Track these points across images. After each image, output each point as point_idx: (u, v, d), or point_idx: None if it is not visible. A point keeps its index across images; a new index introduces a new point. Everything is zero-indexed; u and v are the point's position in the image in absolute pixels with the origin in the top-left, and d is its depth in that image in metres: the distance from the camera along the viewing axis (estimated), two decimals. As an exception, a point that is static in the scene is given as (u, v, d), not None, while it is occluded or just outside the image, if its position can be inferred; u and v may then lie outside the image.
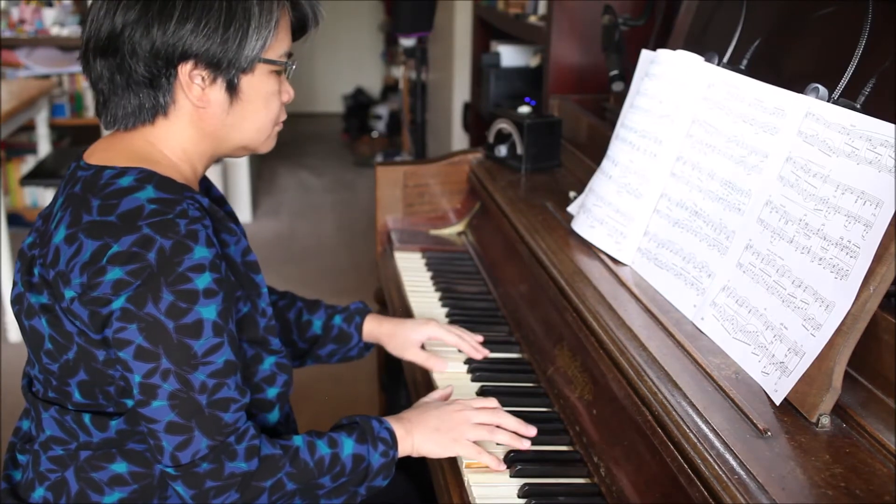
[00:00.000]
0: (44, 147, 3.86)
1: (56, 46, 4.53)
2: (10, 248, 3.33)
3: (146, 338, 1.00)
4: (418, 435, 1.18)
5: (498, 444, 1.22)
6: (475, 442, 1.20)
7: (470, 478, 1.17)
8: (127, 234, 1.00)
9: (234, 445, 1.04)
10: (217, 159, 1.21)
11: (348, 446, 1.12)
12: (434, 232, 2.03)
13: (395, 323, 1.50)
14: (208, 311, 1.02)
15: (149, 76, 1.07)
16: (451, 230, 2.04)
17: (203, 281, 1.01)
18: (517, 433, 1.21)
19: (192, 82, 1.08)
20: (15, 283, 1.14)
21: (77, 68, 4.48)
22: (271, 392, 1.18)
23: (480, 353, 1.46)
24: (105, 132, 1.17)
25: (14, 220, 4.44)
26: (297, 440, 1.11)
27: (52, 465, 1.12)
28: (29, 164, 4.38)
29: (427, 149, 4.32)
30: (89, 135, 4.49)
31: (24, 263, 1.12)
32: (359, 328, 1.49)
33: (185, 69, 1.07)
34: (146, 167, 1.08)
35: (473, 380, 1.41)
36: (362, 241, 4.43)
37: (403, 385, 1.73)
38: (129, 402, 1.08)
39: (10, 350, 3.28)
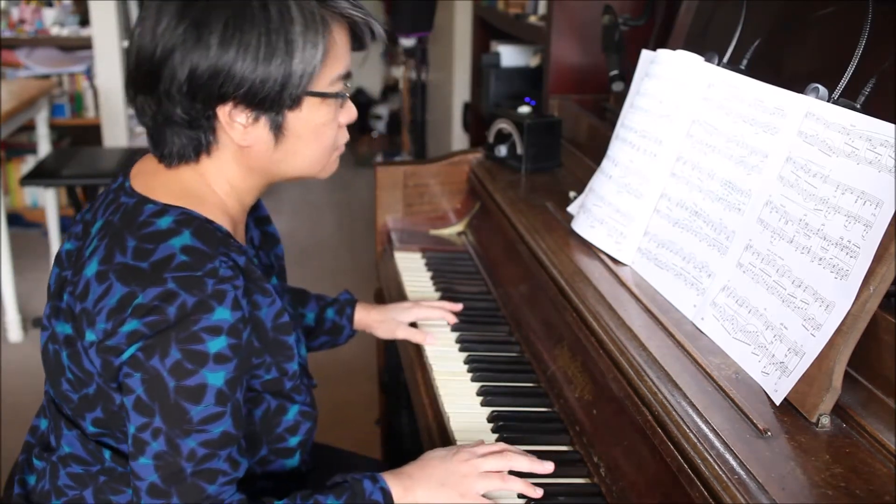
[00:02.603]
0: (44, 147, 3.86)
1: (56, 46, 4.53)
2: (9, 248, 3.33)
3: (145, 391, 0.97)
4: (421, 491, 1.08)
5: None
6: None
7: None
8: (152, 286, 0.96)
9: None
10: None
11: None
12: (434, 232, 2.03)
13: (380, 310, 1.55)
14: (215, 378, 0.97)
15: (187, 118, 1.02)
16: (451, 230, 2.04)
17: (216, 344, 0.96)
18: (532, 472, 1.13)
19: (233, 122, 1.02)
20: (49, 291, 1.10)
21: (77, 68, 4.48)
22: (293, 440, 1.16)
23: (457, 307, 1.58)
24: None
25: (14, 220, 4.44)
26: None
27: (71, 482, 1.10)
28: (29, 164, 4.38)
29: (427, 149, 4.32)
30: (89, 135, 4.49)
31: (57, 282, 1.08)
32: (350, 319, 1.53)
33: (224, 110, 1.02)
34: (188, 207, 1.03)
35: (473, 379, 1.41)
36: (362, 241, 4.43)
37: (403, 385, 1.73)
38: None
39: (10, 350, 3.28)
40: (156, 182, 1.07)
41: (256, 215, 1.28)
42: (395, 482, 1.08)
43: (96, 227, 1.05)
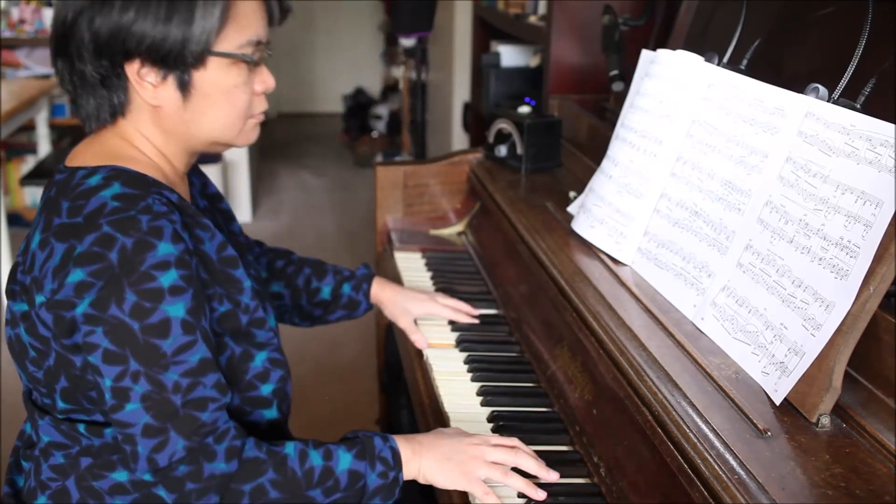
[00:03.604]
0: (44, 147, 3.87)
1: (56, 46, 4.53)
2: (9, 248, 3.33)
3: (112, 340, 0.98)
4: (427, 460, 1.12)
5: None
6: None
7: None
8: (88, 234, 0.99)
9: (212, 446, 1.02)
10: (199, 155, 1.19)
11: (345, 461, 1.07)
12: (434, 232, 2.03)
13: (396, 291, 1.57)
14: (175, 309, 0.99)
15: (99, 78, 1.07)
16: (451, 230, 2.04)
17: (168, 278, 0.99)
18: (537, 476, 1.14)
19: (142, 81, 1.06)
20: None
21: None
22: (265, 388, 1.16)
23: (470, 319, 1.58)
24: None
25: (14, 220, 4.44)
26: (289, 447, 1.07)
27: (53, 474, 1.11)
28: (29, 164, 4.38)
29: (427, 149, 4.32)
30: (89, 135, 4.49)
31: (10, 274, 1.11)
32: (367, 295, 1.55)
33: (132, 69, 1.06)
34: (120, 164, 1.07)
35: (473, 379, 1.41)
36: (362, 241, 4.43)
37: (403, 385, 1.73)
38: None
39: (10, 350, 3.28)
40: (85, 155, 1.10)
41: (207, 193, 1.31)
42: (405, 445, 1.12)
43: (38, 210, 1.09)
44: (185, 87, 1.07)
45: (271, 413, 1.18)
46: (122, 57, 1.05)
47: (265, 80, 1.13)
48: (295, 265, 1.52)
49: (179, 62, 1.05)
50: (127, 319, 0.98)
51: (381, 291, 1.56)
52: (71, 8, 1.05)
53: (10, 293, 1.09)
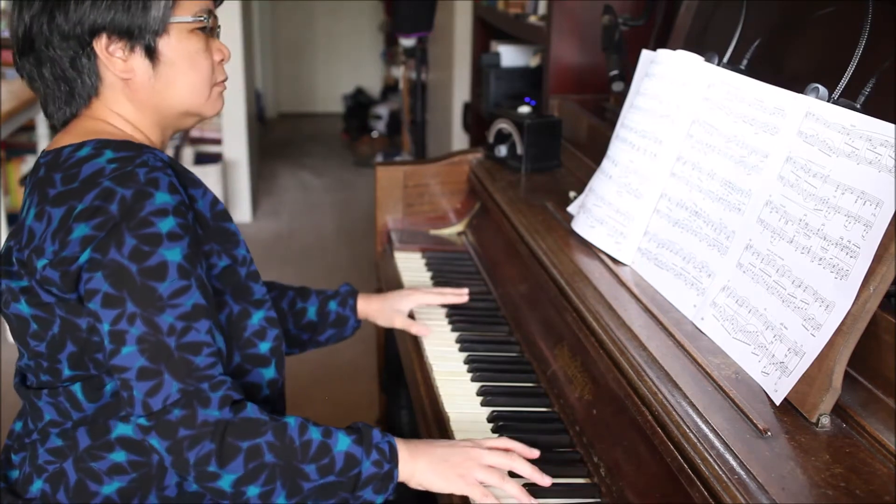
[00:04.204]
0: (44, 147, 3.86)
1: (56, 46, 4.53)
2: (10, 248, 3.33)
3: (111, 283, 1.01)
4: (423, 462, 1.11)
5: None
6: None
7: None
8: (88, 192, 1.03)
9: (207, 392, 1.02)
10: (174, 132, 1.23)
11: (343, 443, 1.07)
12: (434, 232, 2.03)
13: (381, 299, 1.59)
14: (173, 254, 1.03)
15: (69, 61, 1.11)
16: (451, 230, 2.04)
17: (166, 225, 1.03)
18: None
19: (111, 56, 1.11)
20: None
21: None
22: (263, 346, 1.19)
23: (463, 297, 1.60)
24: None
25: (14, 220, 4.44)
26: (290, 418, 1.07)
27: (51, 457, 1.13)
28: (29, 164, 4.38)
29: (427, 149, 4.32)
30: (89, 135, 4.49)
31: (4, 261, 1.13)
32: (353, 310, 1.56)
33: (100, 45, 1.10)
34: (103, 138, 1.11)
35: (473, 379, 1.41)
36: (362, 241, 4.43)
37: (403, 385, 1.73)
38: None
39: (10, 350, 3.28)
40: (64, 138, 1.14)
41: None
42: (402, 446, 1.12)
43: (26, 195, 1.12)
44: (152, 54, 1.13)
45: (270, 372, 1.20)
46: (89, 36, 1.10)
47: (221, 49, 1.20)
48: (277, 289, 1.52)
49: (144, 31, 1.11)
50: (125, 262, 1.01)
51: (367, 306, 1.57)
52: (27, 13, 1.10)
53: (7, 274, 1.11)
